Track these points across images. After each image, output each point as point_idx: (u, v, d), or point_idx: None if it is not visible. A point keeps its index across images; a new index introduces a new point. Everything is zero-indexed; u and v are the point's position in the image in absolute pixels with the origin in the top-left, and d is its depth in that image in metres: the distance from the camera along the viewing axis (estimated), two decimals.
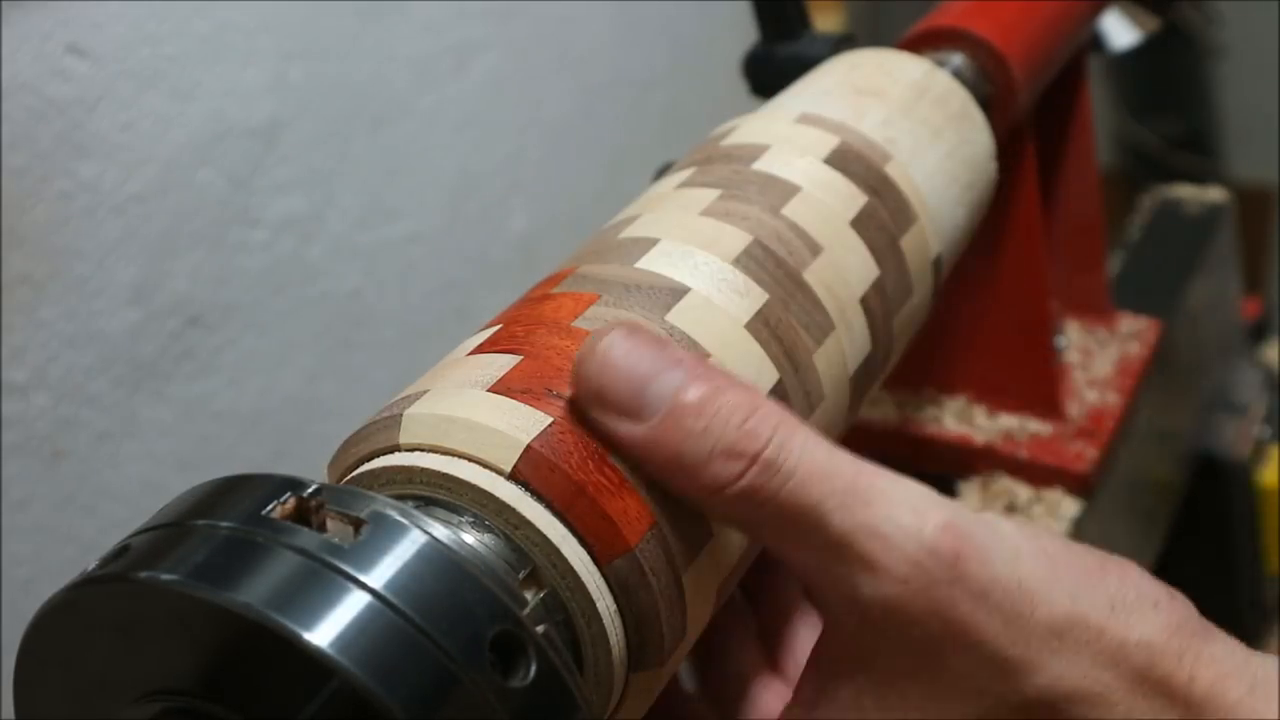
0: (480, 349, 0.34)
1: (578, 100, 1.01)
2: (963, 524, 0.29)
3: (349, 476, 0.32)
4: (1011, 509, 0.60)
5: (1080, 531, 0.60)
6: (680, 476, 0.30)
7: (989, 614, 0.29)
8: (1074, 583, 0.30)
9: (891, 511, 0.29)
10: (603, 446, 0.31)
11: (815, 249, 0.39)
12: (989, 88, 0.53)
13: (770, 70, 0.56)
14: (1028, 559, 0.30)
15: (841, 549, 0.29)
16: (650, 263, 0.36)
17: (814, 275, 0.38)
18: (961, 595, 0.29)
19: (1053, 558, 0.30)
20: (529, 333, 0.34)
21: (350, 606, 0.25)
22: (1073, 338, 0.69)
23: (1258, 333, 0.99)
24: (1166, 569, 0.79)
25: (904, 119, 0.45)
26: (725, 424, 0.29)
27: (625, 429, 0.30)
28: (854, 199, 0.41)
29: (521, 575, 0.29)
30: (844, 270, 0.39)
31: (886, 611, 0.29)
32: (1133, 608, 0.30)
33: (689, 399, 0.29)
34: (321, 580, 0.25)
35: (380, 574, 0.25)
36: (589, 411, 0.30)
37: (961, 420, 0.63)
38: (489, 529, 0.29)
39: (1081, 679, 0.29)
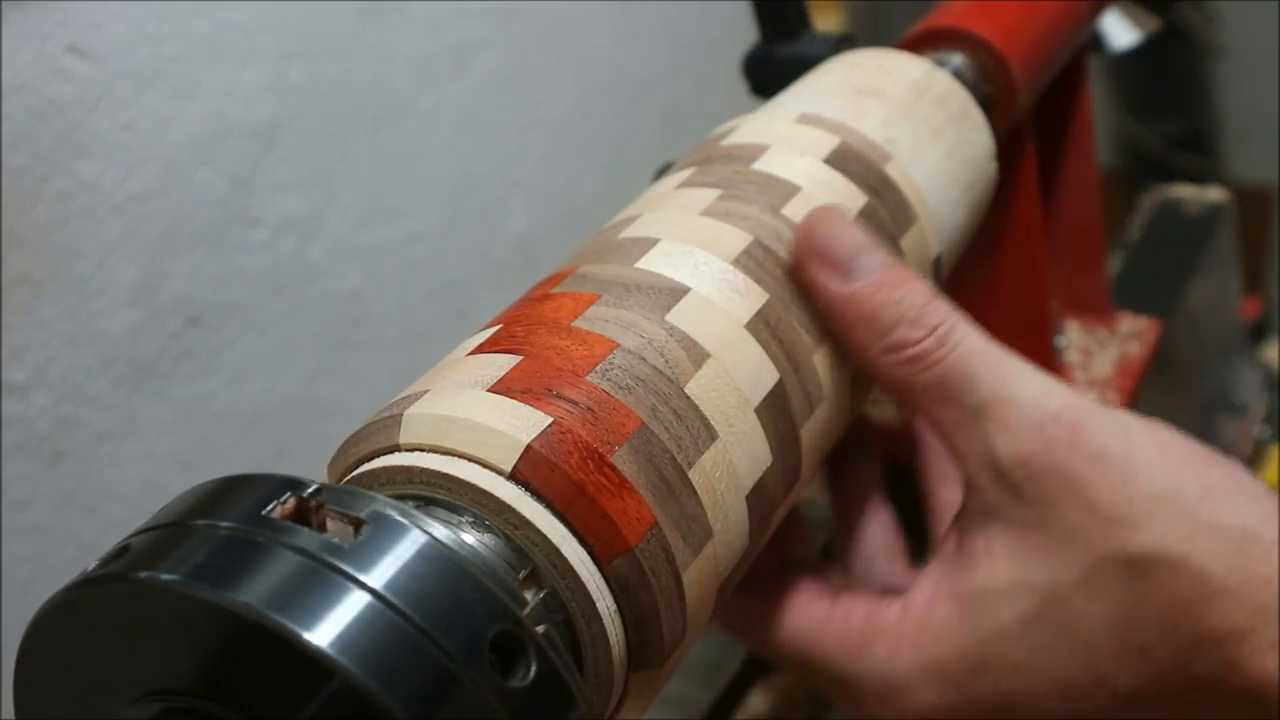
0: (480, 349, 0.34)
1: (578, 100, 1.01)
2: (1084, 403, 0.35)
3: (349, 476, 0.32)
4: None
5: None
6: (868, 333, 0.36)
7: (1100, 475, 0.34)
8: (1177, 465, 0.35)
9: (1027, 386, 0.36)
10: (604, 449, 0.31)
11: None
12: (989, 88, 0.53)
13: (770, 70, 0.56)
14: (1139, 438, 0.35)
15: (984, 411, 0.36)
16: (650, 263, 0.36)
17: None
18: (1078, 457, 0.34)
19: (1163, 443, 0.35)
20: (529, 333, 0.34)
21: (350, 606, 0.25)
22: (1073, 338, 0.69)
23: (1258, 333, 0.99)
24: None
25: (904, 119, 0.45)
26: (915, 298, 0.36)
27: (835, 284, 0.37)
28: (854, 199, 0.41)
29: (521, 575, 0.29)
30: None
31: (1015, 465, 0.35)
32: (1228, 495, 0.34)
33: (894, 273, 0.37)
34: (321, 580, 0.25)
35: (380, 574, 0.25)
36: (806, 265, 0.37)
37: None
38: (489, 529, 0.29)
39: (1178, 544, 0.33)
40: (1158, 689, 0.34)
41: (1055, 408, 0.35)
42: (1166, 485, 0.34)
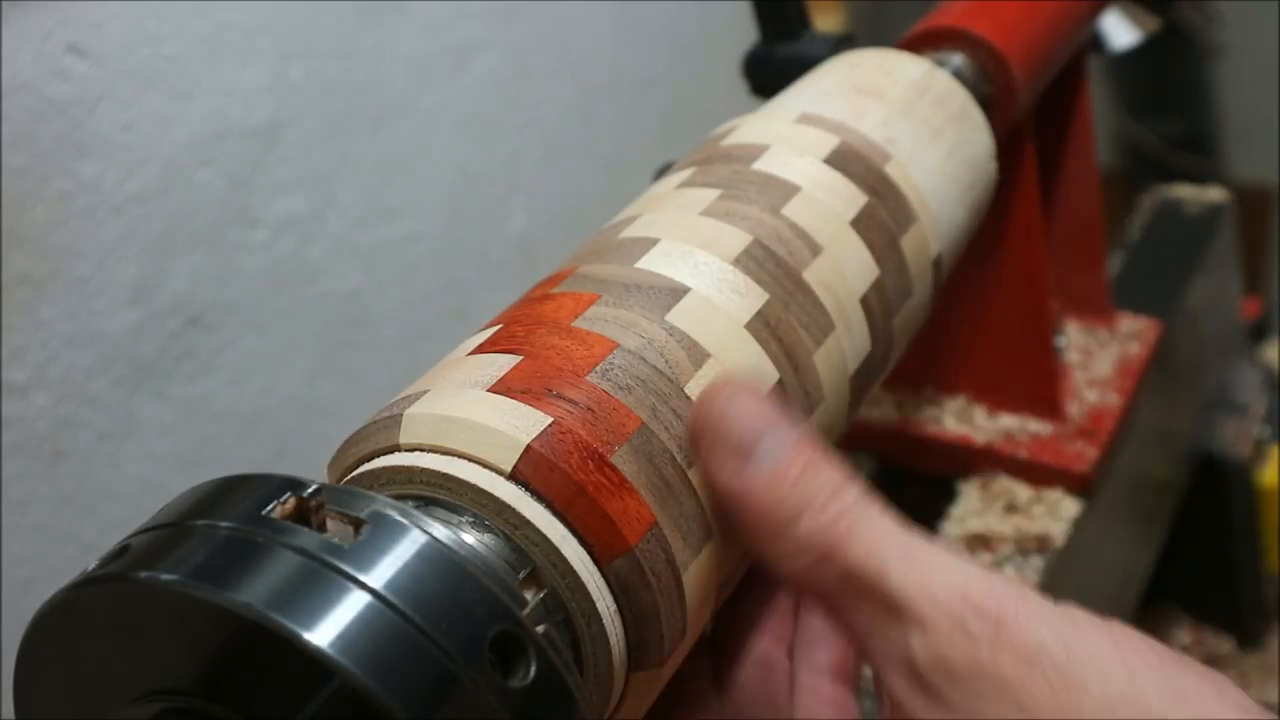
0: (480, 349, 0.34)
1: (578, 100, 1.01)
2: (1012, 591, 0.30)
3: (349, 476, 0.32)
4: (1011, 509, 0.60)
5: (1080, 531, 0.60)
6: (769, 527, 0.31)
7: (1035, 678, 0.29)
8: (1137, 665, 0.29)
9: (942, 574, 0.30)
10: (604, 449, 0.31)
11: (815, 249, 0.39)
12: (989, 88, 0.53)
13: (770, 70, 0.56)
14: (1086, 634, 0.29)
15: (897, 607, 0.30)
16: (650, 263, 0.36)
17: (814, 275, 0.38)
18: (1007, 658, 0.29)
19: (1118, 641, 0.29)
20: (529, 333, 0.34)
21: (350, 606, 0.25)
22: (1073, 338, 0.69)
23: (1258, 333, 0.99)
24: (1167, 569, 0.79)
25: (904, 119, 0.45)
26: (824, 484, 0.31)
27: (730, 471, 0.32)
28: (854, 199, 0.41)
29: (521, 575, 0.29)
30: (844, 270, 0.39)
31: (934, 668, 0.30)
32: (1205, 703, 0.28)
33: (801, 455, 0.32)
34: (321, 580, 0.25)
35: (380, 574, 0.25)
36: (699, 444, 0.32)
37: (961, 420, 0.63)
38: (489, 529, 0.29)
39: None
40: None
41: (977, 598, 0.30)
42: (1123, 688, 0.28)
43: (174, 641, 0.25)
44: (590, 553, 0.30)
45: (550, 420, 0.30)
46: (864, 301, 0.40)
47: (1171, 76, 1.85)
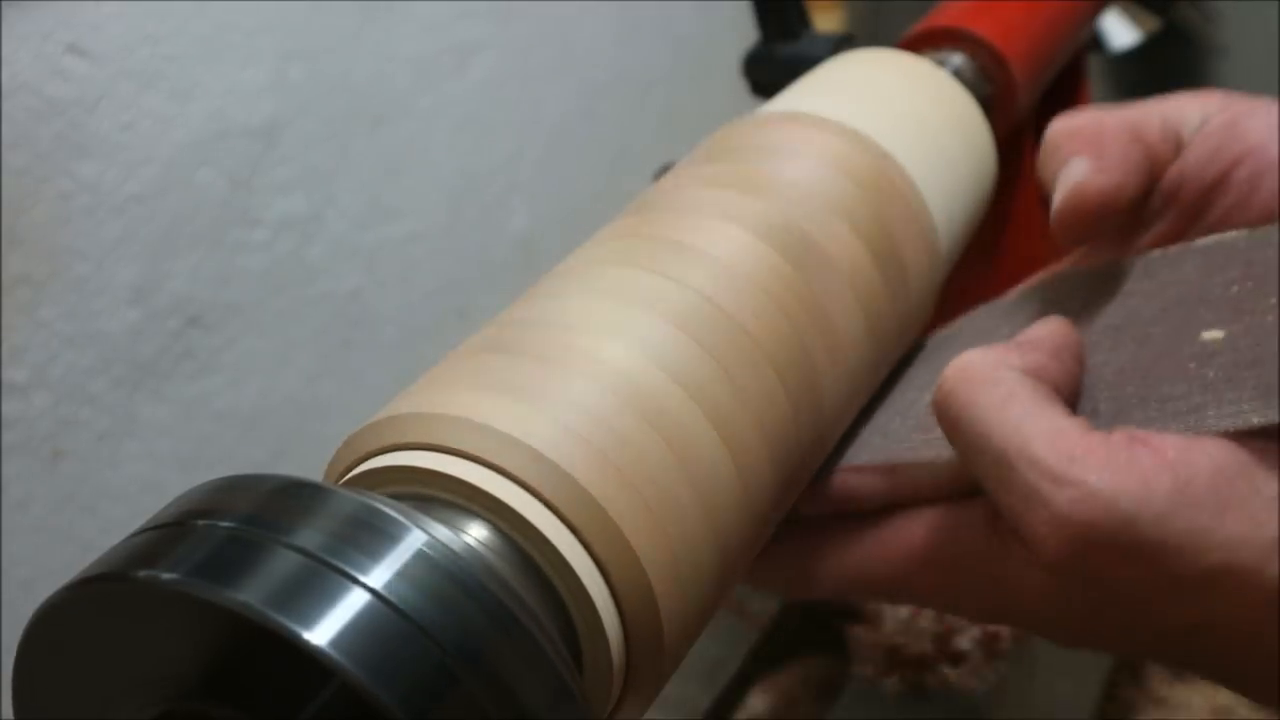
0: (482, 348, 0.34)
1: (578, 100, 1.01)
2: (1106, 492, 0.30)
3: (349, 476, 0.32)
4: None
5: None
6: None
7: (1137, 569, 0.30)
8: (1236, 528, 0.30)
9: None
10: (606, 448, 0.31)
11: (815, 250, 0.39)
12: (989, 88, 0.53)
13: (770, 70, 0.56)
14: (1182, 512, 0.30)
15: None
16: (665, 261, 0.36)
17: (813, 276, 0.38)
18: (1106, 558, 0.30)
19: (1221, 499, 0.30)
20: (531, 332, 0.34)
21: (350, 606, 0.25)
22: None
23: None
24: None
25: (903, 119, 0.45)
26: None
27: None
28: (853, 200, 0.41)
29: (521, 575, 0.29)
30: (843, 271, 0.39)
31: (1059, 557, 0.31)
32: None
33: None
34: (321, 579, 0.25)
35: (380, 573, 0.25)
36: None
37: None
38: (489, 528, 0.29)
39: (1239, 620, 0.30)
40: None
41: (1066, 526, 0.31)
42: (1223, 560, 0.30)
43: (174, 641, 0.25)
44: (591, 552, 0.30)
45: (552, 420, 0.30)
46: (863, 302, 0.40)
47: (1171, 76, 1.85)
